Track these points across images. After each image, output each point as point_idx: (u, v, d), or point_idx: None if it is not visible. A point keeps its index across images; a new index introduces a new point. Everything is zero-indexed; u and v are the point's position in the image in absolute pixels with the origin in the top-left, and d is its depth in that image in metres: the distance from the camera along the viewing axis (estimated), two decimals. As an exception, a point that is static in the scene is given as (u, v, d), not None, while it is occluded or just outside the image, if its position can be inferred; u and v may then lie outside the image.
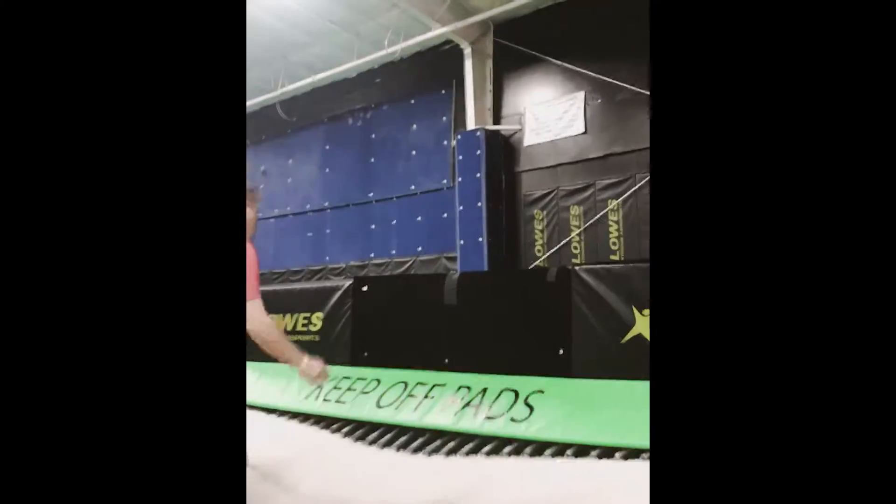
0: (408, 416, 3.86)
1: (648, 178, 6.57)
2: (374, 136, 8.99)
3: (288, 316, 5.15)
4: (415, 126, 8.61)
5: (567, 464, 3.07)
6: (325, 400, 4.29)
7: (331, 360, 4.69)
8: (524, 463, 3.18)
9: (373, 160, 8.93)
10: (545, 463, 3.13)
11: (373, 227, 8.80)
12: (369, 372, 4.38)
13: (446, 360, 4.11)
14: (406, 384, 4.12)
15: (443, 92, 8.40)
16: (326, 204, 9.42)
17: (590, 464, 2.99)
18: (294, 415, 4.34)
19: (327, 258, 9.20)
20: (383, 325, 4.58)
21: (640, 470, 2.76)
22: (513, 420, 3.47)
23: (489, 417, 3.56)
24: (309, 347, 2.78)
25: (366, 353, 4.55)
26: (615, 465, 2.94)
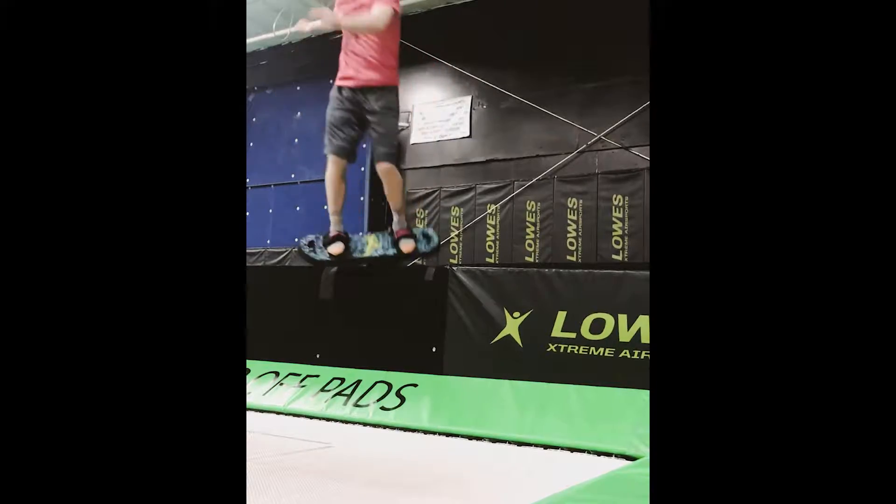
0: (275, 401, 3.80)
1: (525, 185, 6.84)
2: (254, 119, 8.60)
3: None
4: (299, 113, 8.35)
5: (433, 439, 3.25)
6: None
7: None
8: (389, 434, 3.41)
9: (252, 144, 8.54)
10: (411, 436, 3.32)
11: (247, 214, 8.42)
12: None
13: (318, 356, 4.03)
14: (277, 373, 4.02)
15: (330, 81, 8.18)
16: (198, 187, 8.89)
17: (458, 441, 3.21)
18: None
19: (196, 244, 8.69)
20: (253, 317, 4.40)
21: (502, 452, 2.99)
22: (383, 409, 3.50)
23: (358, 405, 3.58)
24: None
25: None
26: (480, 444, 3.15)
